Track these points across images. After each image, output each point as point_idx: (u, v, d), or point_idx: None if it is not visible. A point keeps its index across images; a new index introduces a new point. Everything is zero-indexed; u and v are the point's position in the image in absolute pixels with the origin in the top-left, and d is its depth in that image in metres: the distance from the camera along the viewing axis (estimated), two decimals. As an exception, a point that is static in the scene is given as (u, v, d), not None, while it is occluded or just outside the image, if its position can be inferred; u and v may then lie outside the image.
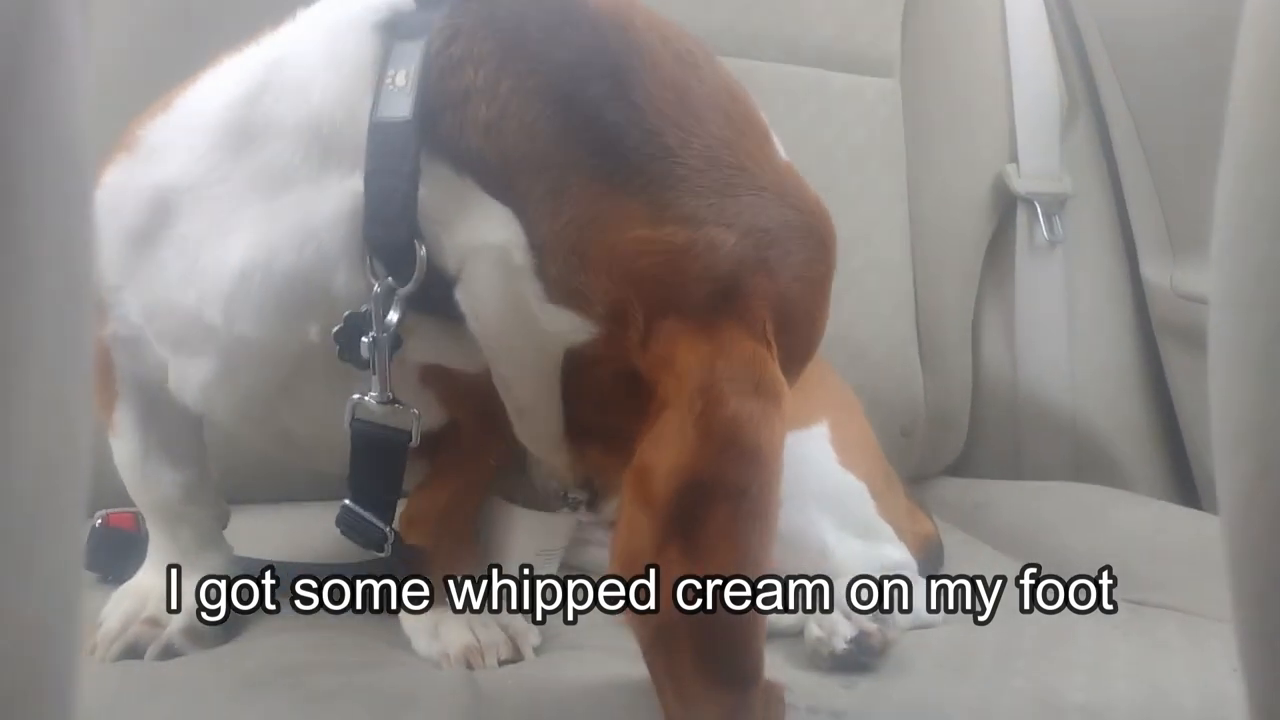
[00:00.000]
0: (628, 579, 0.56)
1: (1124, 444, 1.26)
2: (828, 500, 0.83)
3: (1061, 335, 1.27)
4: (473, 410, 0.71)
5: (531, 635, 0.74)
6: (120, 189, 0.62)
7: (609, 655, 0.70)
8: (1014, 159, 1.28)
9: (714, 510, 0.54)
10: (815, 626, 0.72)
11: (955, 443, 1.32)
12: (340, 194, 0.59)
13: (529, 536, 0.81)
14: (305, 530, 0.93)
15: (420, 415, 0.65)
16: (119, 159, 0.64)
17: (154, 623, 0.71)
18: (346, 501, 0.68)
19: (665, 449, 0.54)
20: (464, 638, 0.71)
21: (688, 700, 0.56)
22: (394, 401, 0.64)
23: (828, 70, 1.27)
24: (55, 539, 0.23)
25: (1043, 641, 0.75)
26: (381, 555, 0.69)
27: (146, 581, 0.75)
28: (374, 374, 0.62)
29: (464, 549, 0.80)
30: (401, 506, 0.77)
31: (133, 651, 0.69)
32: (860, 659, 0.69)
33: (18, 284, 0.20)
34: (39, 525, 0.22)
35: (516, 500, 0.81)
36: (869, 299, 1.26)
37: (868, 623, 0.70)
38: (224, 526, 0.80)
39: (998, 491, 1.21)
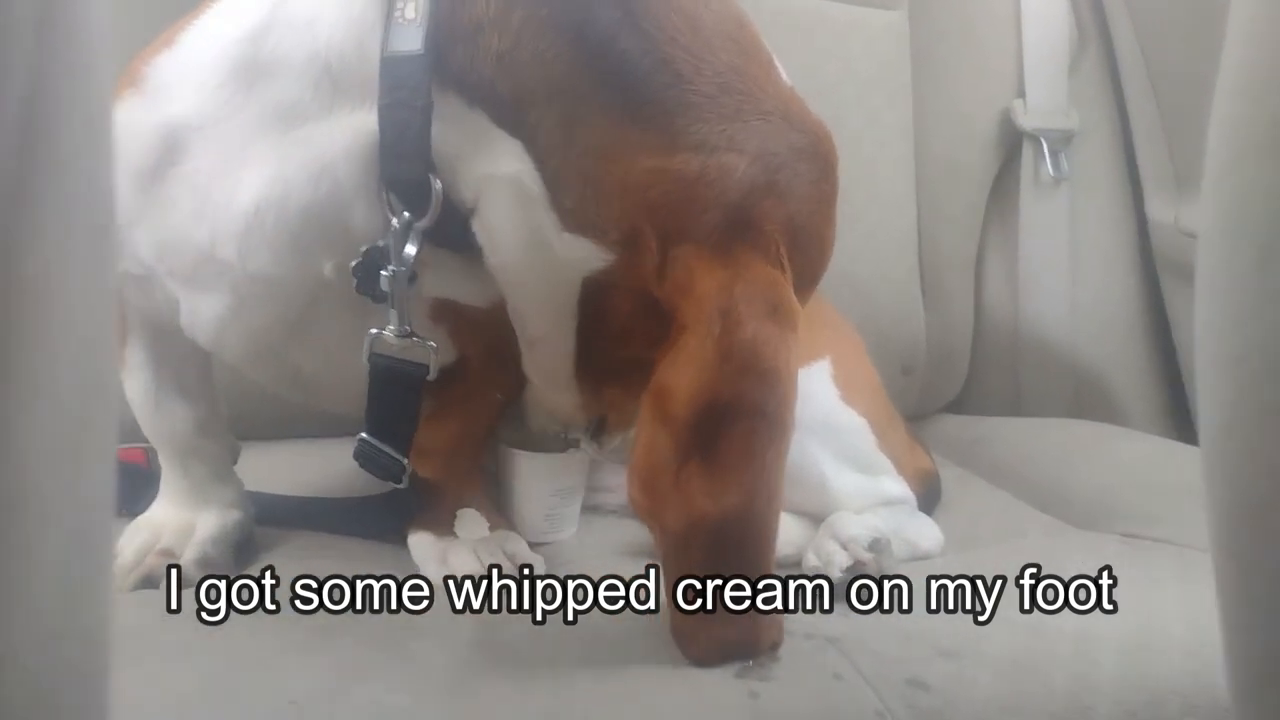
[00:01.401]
0: (648, 492, 0.58)
1: (1123, 381, 1.27)
2: (829, 435, 0.84)
3: (1064, 273, 1.27)
4: (481, 345, 0.72)
5: (537, 564, 0.75)
6: (129, 126, 0.62)
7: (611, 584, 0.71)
8: (1021, 94, 1.27)
9: (733, 429, 0.56)
10: (813, 556, 0.73)
11: (956, 380, 1.32)
12: (354, 129, 0.60)
13: (543, 478, 0.83)
14: (315, 466, 0.95)
15: (437, 348, 0.66)
16: (125, 96, 0.63)
17: (169, 554, 0.73)
18: (363, 435, 0.69)
19: (685, 370, 0.56)
20: (471, 564, 0.73)
21: (696, 604, 0.58)
22: (411, 335, 0.65)
23: (834, 2, 1.26)
24: (86, 486, 0.24)
25: (1036, 573, 0.76)
26: (398, 486, 0.70)
27: (160, 514, 0.77)
28: (392, 308, 0.63)
29: (472, 479, 0.82)
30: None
31: (149, 582, 0.71)
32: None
33: (50, 224, 0.21)
34: (72, 472, 0.23)
35: (526, 446, 0.82)
36: (873, 235, 1.26)
37: (864, 553, 0.71)
38: (235, 462, 0.82)
39: (997, 428, 1.22)
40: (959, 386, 1.33)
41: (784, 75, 0.62)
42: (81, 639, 0.24)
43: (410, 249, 0.61)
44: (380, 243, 0.62)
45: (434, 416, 0.81)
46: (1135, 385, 1.27)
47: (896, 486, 0.85)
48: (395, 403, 0.68)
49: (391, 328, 0.64)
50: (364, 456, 0.70)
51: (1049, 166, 1.25)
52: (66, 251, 0.22)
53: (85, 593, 0.24)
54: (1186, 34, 1.16)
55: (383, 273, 0.62)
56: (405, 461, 0.69)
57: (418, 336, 0.65)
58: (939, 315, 1.30)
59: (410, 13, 0.57)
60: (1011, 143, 1.28)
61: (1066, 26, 1.28)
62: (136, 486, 0.80)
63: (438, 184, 0.59)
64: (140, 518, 0.77)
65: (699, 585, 0.58)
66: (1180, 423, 1.27)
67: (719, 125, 0.57)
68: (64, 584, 0.23)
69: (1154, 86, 1.24)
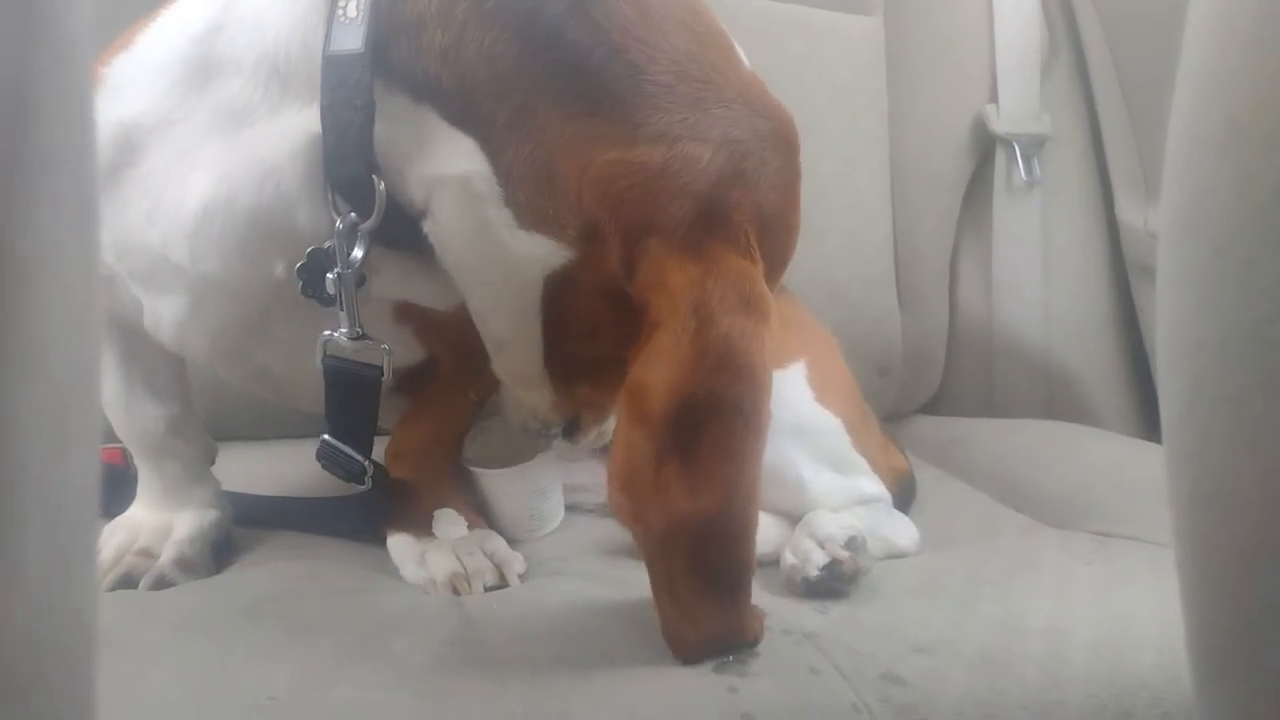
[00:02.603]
0: (628, 494, 0.58)
1: (1096, 383, 1.28)
2: (805, 436, 0.85)
3: (1037, 276, 1.28)
4: (449, 346, 0.72)
5: (516, 562, 0.76)
6: None
7: (592, 581, 0.72)
8: (994, 100, 1.28)
9: (711, 427, 0.56)
10: (790, 554, 0.74)
11: (931, 381, 1.34)
12: (298, 129, 0.59)
13: (517, 486, 0.83)
14: (292, 466, 0.94)
15: (390, 350, 0.66)
16: None
17: (147, 554, 0.73)
18: (325, 436, 0.69)
19: (659, 368, 0.56)
20: (450, 564, 0.73)
21: (681, 602, 0.59)
22: (363, 337, 0.64)
23: (810, 7, 1.27)
24: (72, 467, 0.25)
25: (1010, 570, 0.77)
26: (362, 488, 0.70)
27: (138, 515, 0.77)
28: (341, 310, 0.63)
29: (447, 479, 0.82)
30: (385, 443, 0.78)
31: (127, 581, 0.71)
32: (833, 585, 0.71)
33: (37, 211, 0.21)
34: (58, 453, 0.23)
35: (491, 461, 0.82)
36: (849, 238, 1.27)
37: (840, 551, 0.72)
38: (212, 462, 0.82)
39: (972, 429, 1.23)
40: (934, 388, 1.34)
41: (744, 60, 0.61)
42: (69, 620, 0.24)
43: (358, 252, 0.60)
44: (326, 245, 0.61)
45: (408, 418, 0.81)
46: (1107, 386, 1.29)
47: (872, 485, 0.85)
48: (352, 405, 0.68)
49: (343, 330, 0.64)
50: (326, 458, 0.70)
51: (1021, 171, 1.26)
52: (53, 238, 0.22)
53: (73, 573, 0.24)
54: (1156, 40, 1.17)
55: (329, 275, 0.61)
56: (366, 462, 0.69)
57: (370, 339, 0.65)
58: (914, 317, 1.31)
59: (352, 11, 0.57)
60: (985, 147, 1.30)
61: (1038, 33, 1.29)
62: (115, 487, 0.80)
63: (381, 184, 0.59)
64: (118, 518, 0.77)
65: (684, 584, 0.58)
66: (1151, 423, 1.29)
67: (679, 114, 0.56)
68: (51, 565, 0.23)
69: (1124, 92, 1.25)
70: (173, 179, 0.62)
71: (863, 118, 1.29)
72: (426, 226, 0.60)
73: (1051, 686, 0.59)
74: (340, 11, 0.57)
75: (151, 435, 0.75)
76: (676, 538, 0.57)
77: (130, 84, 0.62)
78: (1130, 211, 1.26)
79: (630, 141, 0.56)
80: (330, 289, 0.62)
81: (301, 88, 0.59)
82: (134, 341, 0.72)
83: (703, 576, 0.58)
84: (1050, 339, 1.28)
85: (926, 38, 1.32)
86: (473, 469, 0.83)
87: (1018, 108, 1.27)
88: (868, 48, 1.31)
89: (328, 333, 0.65)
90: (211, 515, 0.77)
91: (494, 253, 0.59)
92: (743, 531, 0.59)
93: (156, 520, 0.75)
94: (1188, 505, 0.28)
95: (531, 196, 0.57)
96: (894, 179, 1.32)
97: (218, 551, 0.76)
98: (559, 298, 0.61)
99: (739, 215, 0.57)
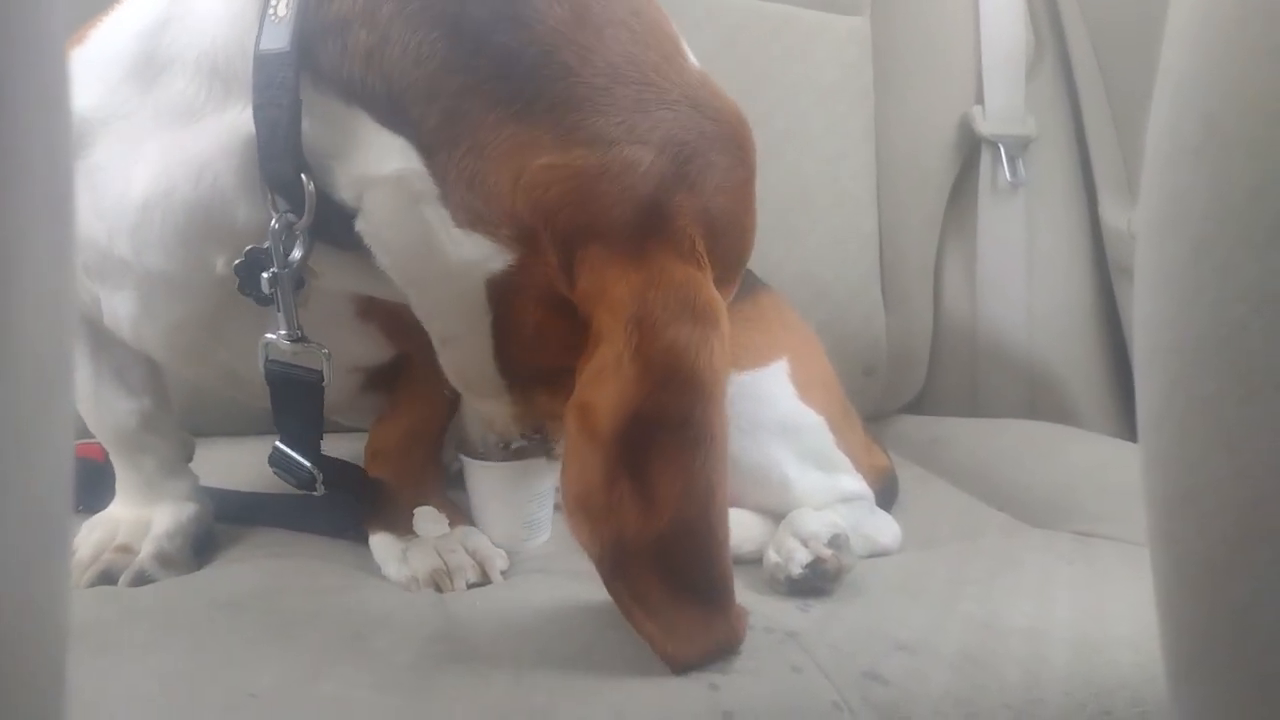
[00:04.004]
0: (585, 516, 0.57)
1: (1078, 383, 1.29)
2: (788, 434, 0.85)
3: (1021, 276, 1.29)
4: (419, 343, 0.71)
5: (499, 559, 0.76)
6: None
7: (575, 579, 0.72)
8: (980, 101, 1.29)
9: (659, 442, 0.55)
10: (773, 553, 0.74)
11: (915, 381, 1.34)
12: (235, 126, 0.58)
13: (514, 486, 0.81)
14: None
15: (329, 354, 0.65)
16: None
17: (126, 550, 0.72)
18: (277, 442, 0.69)
19: (604, 386, 0.55)
20: (432, 562, 0.73)
21: (660, 617, 0.58)
22: (302, 339, 0.63)
23: (798, 7, 1.27)
24: (46, 461, 0.24)
25: (991, 570, 0.78)
26: (315, 494, 0.70)
27: (117, 511, 0.76)
28: (279, 311, 0.62)
29: (427, 477, 0.81)
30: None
31: (106, 578, 0.70)
32: (816, 584, 0.71)
33: (12, 186, 0.21)
34: (31, 447, 0.23)
35: (490, 456, 0.80)
36: (834, 238, 1.27)
37: (823, 549, 0.72)
38: (189, 458, 0.81)
39: (955, 428, 1.24)
40: (918, 387, 1.35)
41: (692, 60, 0.60)
42: (41, 616, 0.24)
43: (297, 252, 0.59)
44: (265, 244, 0.60)
45: (384, 416, 0.80)
46: (1089, 387, 1.30)
47: (855, 483, 0.86)
48: (296, 409, 0.67)
49: (283, 332, 0.63)
50: (278, 464, 0.69)
51: (1006, 172, 1.27)
52: (28, 232, 0.22)
53: (47, 569, 0.24)
54: (1141, 43, 1.18)
55: (263, 275, 0.60)
56: (314, 469, 0.69)
57: (309, 341, 0.64)
58: (899, 317, 1.32)
59: (282, 10, 0.56)
60: (970, 148, 1.31)
61: (1024, 35, 1.30)
62: (94, 483, 0.80)
63: (310, 184, 0.58)
64: (97, 515, 0.76)
65: (663, 601, 0.57)
66: (1133, 424, 1.28)
67: (617, 117, 0.54)
68: (25, 560, 0.23)
69: (1109, 95, 1.26)
70: (118, 173, 0.61)
71: (849, 117, 1.30)
72: (359, 225, 0.59)
73: (1032, 685, 0.60)
74: (272, 10, 0.56)
75: (124, 430, 0.75)
76: (638, 558, 0.57)
77: (82, 77, 0.61)
78: (1114, 213, 1.27)
79: (565, 146, 0.54)
80: (265, 288, 0.61)
81: (238, 85, 0.58)
82: (103, 336, 0.72)
83: (681, 590, 0.57)
84: (1033, 339, 1.29)
85: (913, 38, 1.33)
86: (466, 459, 0.81)
87: (1003, 109, 1.28)
88: (854, 48, 1.31)
89: (269, 335, 0.64)
90: (190, 509, 0.76)
91: (431, 253, 0.58)
92: (710, 539, 0.57)
93: (134, 516, 0.75)
94: (1163, 506, 0.28)
95: (467, 199, 0.56)
96: (880, 179, 1.32)
97: (198, 547, 0.76)
98: (504, 304, 0.59)
99: (682, 219, 0.56)
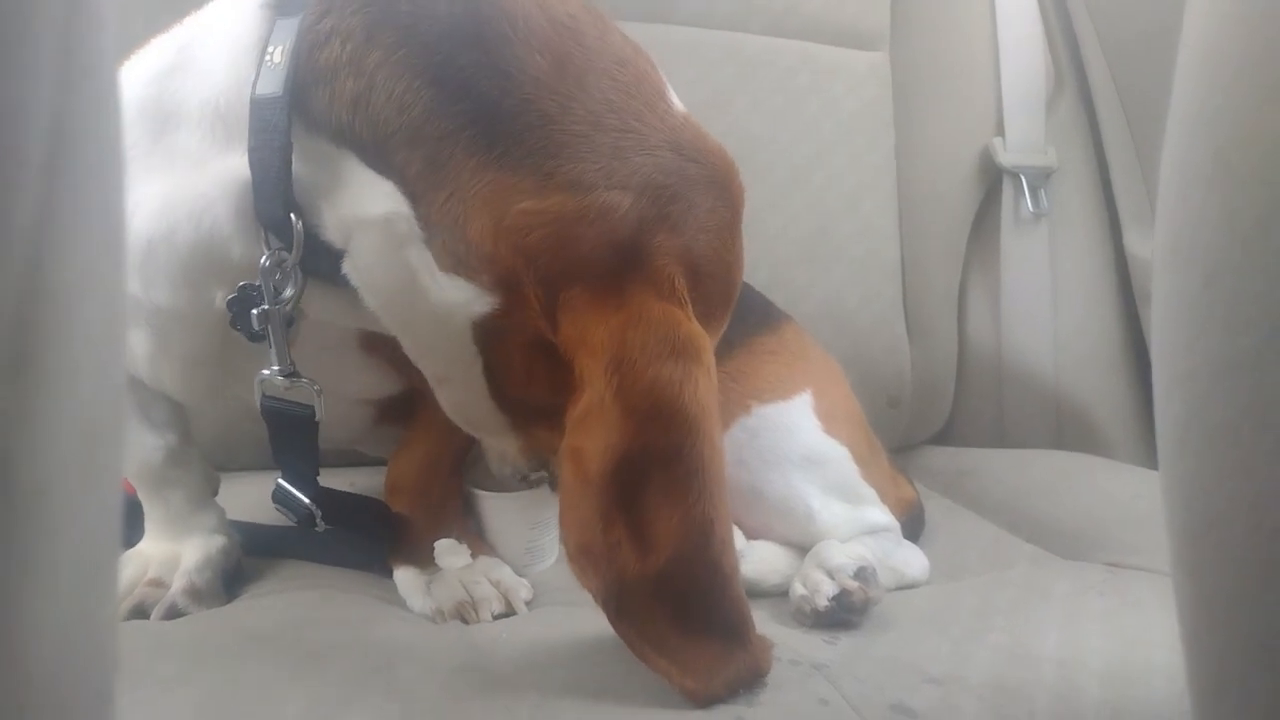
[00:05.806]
0: (585, 558, 0.57)
1: (1105, 413, 1.28)
2: (813, 466, 0.85)
3: (1045, 306, 1.28)
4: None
5: (523, 590, 0.76)
6: None
7: (599, 610, 0.72)
8: (1000, 133, 1.29)
9: (651, 480, 0.55)
10: (800, 585, 0.74)
11: (941, 412, 1.34)
12: (232, 169, 0.60)
13: (516, 514, 0.83)
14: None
15: (320, 389, 0.66)
16: None
17: (158, 584, 0.73)
18: (279, 479, 0.69)
19: (591, 430, 0.55)
20: (457, 594, 0.73)
21: (674, 654, 0.58)
22: (294, 375, 0.64)
23: (818, 44, 1.28)
24: (100, 487, 0.25)
25: (1020, 600, 0.77)
26: (316, 529, 0.70)
27: (147, 547, 0.77)
28: (271, 347, 0.63)
29: (447, 509, 0.82)
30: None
31: (139, 612, 0.71)
32: (843, 616, 0.71)
33: (71, 240, 0.22)
34: (88, 470, 0.24)
35: (495, 486, 0.82)
36: (857, 270, 1.28)
37: (849, 581, 0.72)
38: (215, 492, 0.82)
39: (981, 459, 1.23)
40: (944, 418, 1.34)
41: (677, 105, 0.61)
42: (95, 634, 0.25)
43: (289, 290, 0.61)
44: (258, 281, 0.61)
45: (402, 449, 0.81)
46: (1117, 416, 1.29)
47: (881, 515, 0.86)
48: (292, 445, 0.68)
49: (276, 368, 0.64)
50: (280, 501, 0.70)
51: (1028, 202, 1.27)
52: (85, 266, 0.23)
53: (99, 589, 0.25)
54: (1160, 73, 1.18)
55: (253, 311, 0.62)
56: (313, 507, 0.69)
57: (301, 376, 0.65)
58: (923, 348, 1.31)
59: (277, 56, 0.58)
60: (991, 179, 1.31)
61: (1043, 67, 1.31)
62: (127, 517, 0.80)
63: (298, 223, 0.59)
64: (129, 551, 0.77)
65: (675, 639, 0.58)
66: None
67: (595, 163, 0.56)
68: (81, 580, 0.24)
69: (1129, 124, 1.26)
70: (129, 214, 0.62)
71: (870, 151, 1.31)
72: (345, 266, 0.60)
73: (1063, 716, 0.59)
74: (269, 57, 0.59)
75: (150, 466, 0.76)
76: (642, 597, 0.57)
77: None
78: (1137, 242, 1.27)
79: (544, 191, 0.55)
80: (255, 324, 0.62)
81: (237, 129, 0.60)
82: (128, 374, 0.73)
83: (692, 625, 0.57)
84: (1059, 369, 1.29)
85: (932, 72, 1.34)
86: (473, 490, 0.83)
87: (1023, 140, 1.28)
88: (874, 82, 1.32)
89: (264, 371, 0.65)
90: (219, 542, 0.77)
91: (417, 296, 0.59)
92: (714, 572, 0.57)
93: (165, 551, 0.76)
94: (1184, 534, 0.28)
95: (451, 243, 0.57)
96: (902, 211, 1.33)
97: (228, 580, 0.77)
98: (492, 346, 0.60)
99: (662, 259, 0.57)
